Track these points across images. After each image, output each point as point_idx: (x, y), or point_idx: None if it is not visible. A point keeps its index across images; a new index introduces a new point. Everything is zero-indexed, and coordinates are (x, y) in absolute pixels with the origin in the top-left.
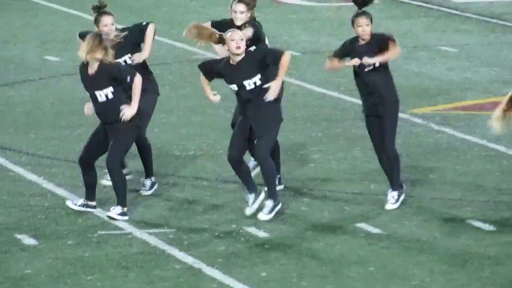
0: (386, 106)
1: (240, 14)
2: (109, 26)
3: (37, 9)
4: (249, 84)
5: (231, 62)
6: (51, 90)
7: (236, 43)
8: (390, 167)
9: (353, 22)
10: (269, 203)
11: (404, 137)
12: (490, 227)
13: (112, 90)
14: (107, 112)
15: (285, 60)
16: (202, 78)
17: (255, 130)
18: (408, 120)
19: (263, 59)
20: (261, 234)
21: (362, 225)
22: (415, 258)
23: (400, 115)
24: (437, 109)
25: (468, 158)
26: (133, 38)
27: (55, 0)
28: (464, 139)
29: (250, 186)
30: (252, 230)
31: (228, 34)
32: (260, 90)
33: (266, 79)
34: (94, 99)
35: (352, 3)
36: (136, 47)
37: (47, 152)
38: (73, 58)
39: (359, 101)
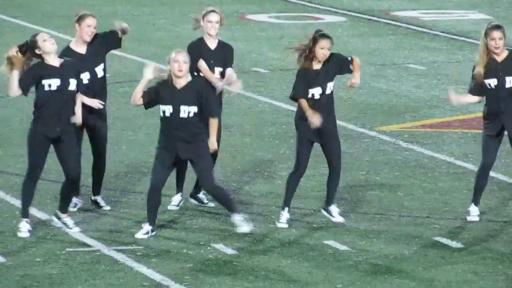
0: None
1: (216, 24)
2: (92, 28)
3: (5, 26)
4: (184, 111)
5: (174, 84)
6: (20, 107)
7: (179, 65)
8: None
9: (315, 42)
10: (238, 216)
11: (372, 155)
12: (458, 245)
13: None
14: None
15: (214, 123)
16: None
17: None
18: (376, 137)
19: (201, 94)
20: (229, 251)
21: (330, 242)
22: (383, 276)
23: (368, 132)
24: (405, 127)
25: (436, 175)
26: (108, 47)
27: (23, 17)
28: (432, 156)
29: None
30: (220, 247)
31: (172, 55)
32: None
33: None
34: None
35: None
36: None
37: (15, 170)
38: None
39: None
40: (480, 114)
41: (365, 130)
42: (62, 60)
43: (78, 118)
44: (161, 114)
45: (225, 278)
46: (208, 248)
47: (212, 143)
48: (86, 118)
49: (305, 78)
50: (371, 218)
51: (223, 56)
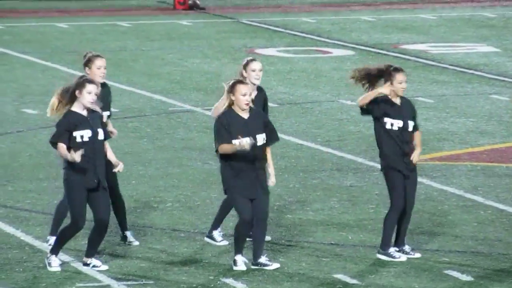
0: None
1: (259, 72)
2: (102, 69)
3: (14, 62)
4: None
5: (241, 115)
6: (29, 142)
7: (246, 99)
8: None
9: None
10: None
11: (382, 188)
12: (468, 277)
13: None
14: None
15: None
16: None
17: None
18: None
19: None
20: (239, 285)
21: (339, 276)
22: None
23: (377, 165)
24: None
25: (445, 208)
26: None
27: (32, 53)
28: (441, 189)
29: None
30: (230, 281)
31: (238, 86)
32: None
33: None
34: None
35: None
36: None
37: (25, 205)
38: None
39: (336, 152)
40: (490, 147)
41: (374, 164)
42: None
43: (119, 164)
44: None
45: None
46: (218, 282)
47: None
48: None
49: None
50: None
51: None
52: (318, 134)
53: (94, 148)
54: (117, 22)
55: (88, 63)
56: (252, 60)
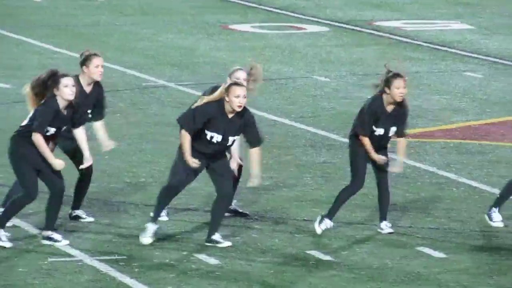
0: None
1: (244, 81)
2: (100, 68)
3: None
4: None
5: (227, 114)
6: (2, 116)
7: (239, 101)
8: None
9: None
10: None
11: None
12: (440, 254)
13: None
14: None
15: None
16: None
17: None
18: None
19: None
20: (212, 261)
21: (313, 252)
22: (366, 285)
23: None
24: None
25: (419, 185)
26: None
27: (6, 27)
28: (414, 166)
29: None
30: (203, 257)
31: (234, 88)
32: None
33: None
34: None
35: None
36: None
37: None
38: (23, 84)
39: (310, 129)
40: (463, 124)
41: (348, 140)
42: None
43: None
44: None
45: None
46: (191, 258)
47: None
48: (65, 146)
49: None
50: (354, 228)
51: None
52: (292, 110)
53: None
54: None
55: (85, 61)
56: (237, 70)
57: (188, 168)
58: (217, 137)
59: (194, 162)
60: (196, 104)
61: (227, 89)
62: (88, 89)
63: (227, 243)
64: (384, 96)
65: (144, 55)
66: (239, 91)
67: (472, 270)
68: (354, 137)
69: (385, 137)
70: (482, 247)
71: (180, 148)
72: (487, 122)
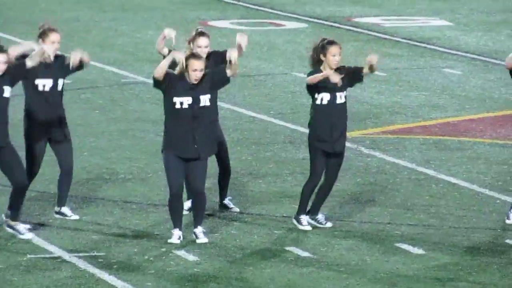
0: None
1: (205, 48)
2: (56, 44)
3: None
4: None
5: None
6: None
7: (196, 75)
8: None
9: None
10: (201, 229)
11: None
12: (419, 251)
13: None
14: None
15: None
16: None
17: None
18: None
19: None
20: (191, 257)
21: (291, 249)
22: (345, 282)
23: None
24: (366, 133)
25: (397, 181)
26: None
27: None
28: (393, 162)
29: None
30: (182, 253)
31: (191, 62)
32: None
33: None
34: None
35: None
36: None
37: None
38: None
39: (289, 125)
40: (442, 121)
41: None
42: None
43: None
44: None
45: (187, 285)
46: (170, 254)
47: None
48: (49, 133)
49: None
50: (333, 224)
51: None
52: (271, 106)
53: None
54: None
55: (42, 35)
56: (199, 35)
57: (175, 167)
58: (188, 101)
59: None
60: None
61: (186, 61)
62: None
63: (203, 240)
64: (321, 67)
65: (124, 52)
66: (197, 64)
67: (451, 267)
68: (310, 133)
69: (338, 105)
70: (461, 244)
71: (164, 147)
72: (466, 119)
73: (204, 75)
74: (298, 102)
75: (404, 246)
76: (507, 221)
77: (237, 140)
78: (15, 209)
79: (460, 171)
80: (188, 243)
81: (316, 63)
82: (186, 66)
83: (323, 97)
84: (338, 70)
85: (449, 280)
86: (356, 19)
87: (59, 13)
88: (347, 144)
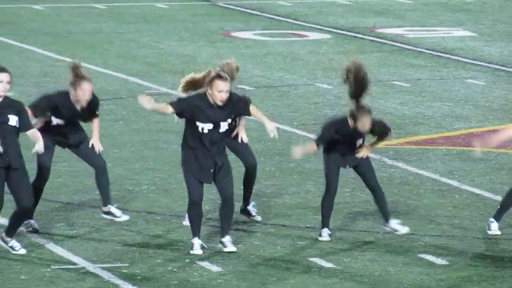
0: None
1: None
2: (87, 93)
3: None
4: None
5: (211, 102)
6: None
7: (222, 96)
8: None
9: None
10: (229, 238)
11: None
12: (443, 261)
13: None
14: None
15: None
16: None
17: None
18: None
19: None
20: (215, 268)
21: (315, 260)
22: None
23: None
24: (390, 144)
25: (421, 192)
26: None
27: (7, 35)
28: (417, 173)
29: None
30: (206, 264)
31: (216, 83)
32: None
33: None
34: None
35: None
36: None
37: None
38: (26, 92)
39: (312, 136)
40: (465, 131)
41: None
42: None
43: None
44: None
45: None
46: (194, 265)
47: None
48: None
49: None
50: (356, 235)
51: None
52: (294, 117)
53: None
54: (92, 4)
55: (75, 84)
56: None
57: (196, 177)
58: (208, 126)
59: None
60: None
61: (211, 82)
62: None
63: (231, 248)
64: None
65: (146, 63)
66: (222, 86)
67: (474, 278)
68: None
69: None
70: (484, 254)
71: (184, 164)
72: (489, 129)
73: (229, 100)
74: (321, 112)
75: (428, 257)
76: (489, 232)
77: (261, 151)
78: (13, 229)
79: (484, 181)
80: (212, 254)
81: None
82: (210, 86)
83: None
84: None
85: None
86: (379, 30)
87: (81, 25)
88: (371, 155)
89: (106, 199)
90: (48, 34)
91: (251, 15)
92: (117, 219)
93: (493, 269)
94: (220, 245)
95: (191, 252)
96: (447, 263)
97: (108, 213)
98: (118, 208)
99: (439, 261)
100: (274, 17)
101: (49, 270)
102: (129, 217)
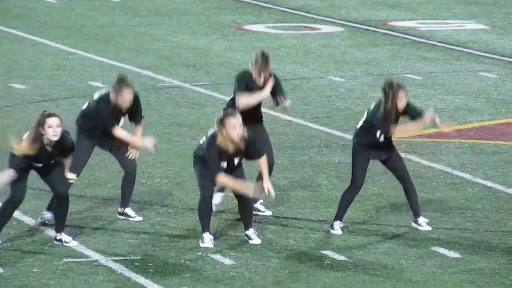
0: None
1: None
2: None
3: (2, 37)
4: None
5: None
6: (17, 117)
7: (237, 131)
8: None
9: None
10: (253, 230)
11: (370, 165)
12: (455, 254)
13: None
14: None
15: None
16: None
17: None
18: None
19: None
20: (227, 261)
21: (327, 253)
22: (381, 286)
23: None
24: (402, 137)
25: (434, 185)
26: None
27: (20, 28)
28: (429, 166)
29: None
30: (218, 257)
31: (229, 121)
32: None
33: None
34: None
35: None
36: None
37: None
38: (39, 85)
39: (324, 129)
40: (478, 124)
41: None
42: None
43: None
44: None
45: None
46: (206, 258)
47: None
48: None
49: None
50: (369, 228)
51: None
52: (307, 110)
53: None
54: None
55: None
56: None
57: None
58: (224, 164)
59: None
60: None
61: (222, 122)
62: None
63: (256, 241)
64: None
65: (159, 56)
66: (234, 121)
67: (487, 270)
68: (357, 138)
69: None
70: (497, 247)
71: (196, 158)
72: (502, 122)
73: (246, 144)
74: (334, 106)
75: (440, 250)
76: (332, 231)
77: (273, 144)
78: (59, 222)
79: (496, 174)
80: (224, 247)
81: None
82: (223, 130)
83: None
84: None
85: (485, 284)
86: (392, 23)
87: (94, 18)
88: None
89: (126, 202)
90: (61, 27)
91: (264, 8)
92: (131, 219)
93: (506, 262)
94: (245, 238)
95: (201, 245)
96: (460, 256)
97: (123, 213)
98: (132, 209)
99: (452, 254)
100: (286, 10)
101: (61, 263)
102: (142, 218)
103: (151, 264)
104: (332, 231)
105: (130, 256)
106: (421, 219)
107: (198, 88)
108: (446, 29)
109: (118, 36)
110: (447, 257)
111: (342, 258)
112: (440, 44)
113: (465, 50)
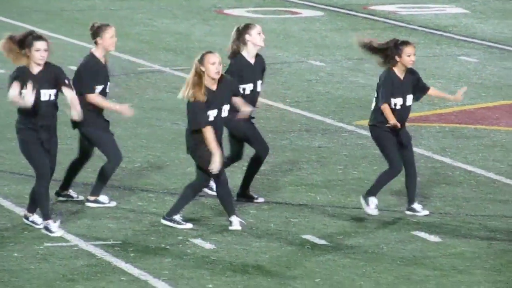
0: None
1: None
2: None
3: None
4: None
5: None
6: None
7: (216, 68)
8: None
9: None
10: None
11: (350, 149)
12: (436, 239)
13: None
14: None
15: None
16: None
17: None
18: (354, 131)
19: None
20: (208, 245)
21: (308, 237)
22: (361, 270)
23: (346, 126)
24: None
25: None
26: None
27: (1, 13)
28: None
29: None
30: (199, 241)
31: (208, 56)
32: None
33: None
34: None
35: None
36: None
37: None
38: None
39: (305, 113)
40: (458, 109)
41: (343, 125)
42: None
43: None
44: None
45: (203, 273)
46: (186, 243)
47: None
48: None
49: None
50: (349, 212)
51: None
52: (287, 95)
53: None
54: None
55: (99, 32)
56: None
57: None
58: (213, 113)
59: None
60: (185, 97)
61: (201, 59)
62: (103, 60)
63: (237, 227)
64: (395, 68)
65: (139, 40)
66: (213, 58)
67: (467, 254)
68: (375, 124)
69: (405, 108)
70: (477, 231)
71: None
72: (482, 107)
73: (222, 77)
74: (314, 90)
75: (421, 234)
76: (367, 210)
77: None
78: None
79: (477, 159)
80: (205, 231)
81: (388, 63)
82: (202, 63)
83: (397, 102)
84: (411, 73)
85: (466, 268)
86: (372, 7)
87: (74, 2)
88: (364, 132)
89: (98, 191)
90: (41, 12)
91: None
92: (105, 205)
93: (486, 246)
94: (211, 223)
95: (230, 228)
96: (440, 240)
97: (96, 201)
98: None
99: (432, 238)
100: None
101: (42, 247)
102: (116, 203)
103: (131, 249)
104: (367, 210)
105: (110, 241)
106: (416, 205)
107: (178, 73)
108: (427, 13)
109: (99, 20)
110: (428, 241)
111: (322, 242)
112: (420, 28)
113: (445, 34)
